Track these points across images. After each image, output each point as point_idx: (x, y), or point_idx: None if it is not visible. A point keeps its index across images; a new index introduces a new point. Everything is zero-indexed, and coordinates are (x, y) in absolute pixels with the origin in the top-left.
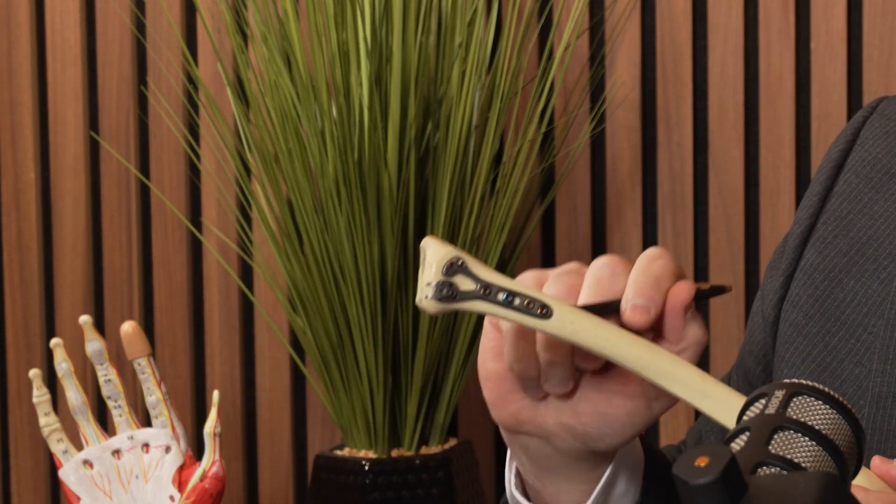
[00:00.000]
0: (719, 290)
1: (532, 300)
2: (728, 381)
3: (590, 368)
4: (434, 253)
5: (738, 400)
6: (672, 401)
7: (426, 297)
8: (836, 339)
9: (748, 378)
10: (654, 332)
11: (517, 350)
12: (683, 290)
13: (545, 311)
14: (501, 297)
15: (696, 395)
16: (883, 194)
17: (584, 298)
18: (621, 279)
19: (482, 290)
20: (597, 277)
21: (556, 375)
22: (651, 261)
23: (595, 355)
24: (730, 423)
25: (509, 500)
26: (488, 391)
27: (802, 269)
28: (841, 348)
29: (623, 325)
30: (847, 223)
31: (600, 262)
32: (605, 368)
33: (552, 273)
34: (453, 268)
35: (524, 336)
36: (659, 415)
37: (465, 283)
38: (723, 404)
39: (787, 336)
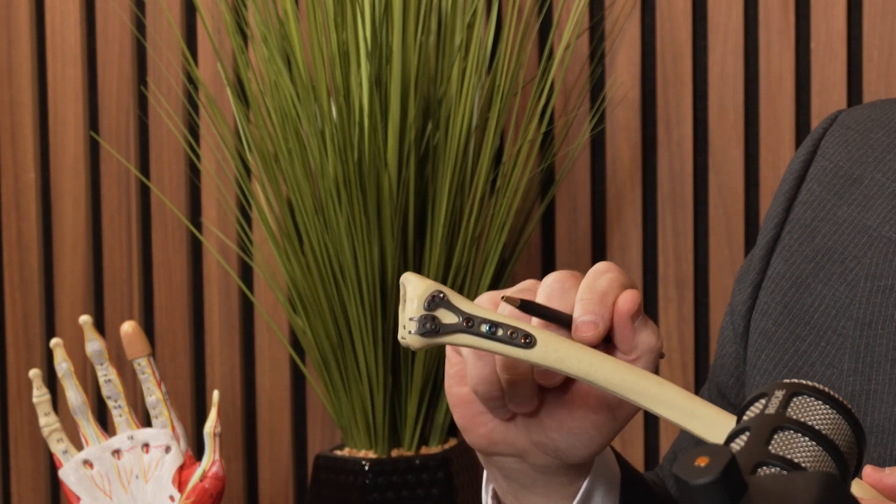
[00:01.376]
0: None
1: (515, 330)
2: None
3: (551, 385)
4: (414, 288)
5: (727, 419)
6: (635, 408)
7: (409, 332)
8: (805, 344)
9: (721, 391)
10: (606, 343)
11: (478, 372)
12: (628, 301)
13: (528, 341)
14: (484, 328)
15: (683, 416)
16: (846, 200)
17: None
18: (571, 294)
19: (465, 323)
20: (547, 294)
21: (519, 394)
22: (597, 276)
23: (579, 381)
24: (719, 442)
25: None
26: (458, 416)
27: (770, 278)
28: (811, 352)
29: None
30: (812, 230)
31: (551, 279)
32: (567, 385)
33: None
34: (435, 301)
35: (482, 358)
36: (625, 423)
37: (447, 317)
38: (711, 424)
39: (757, 344)
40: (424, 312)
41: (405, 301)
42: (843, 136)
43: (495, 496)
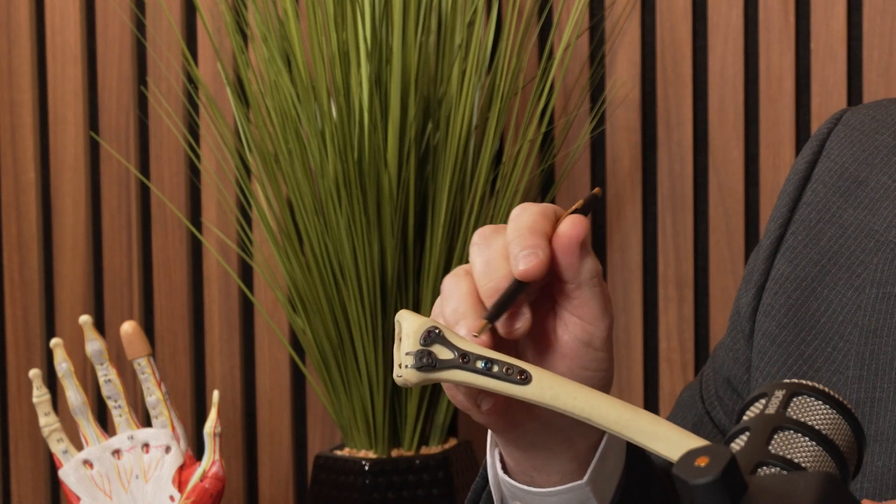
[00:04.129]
0: (592, 199)
1: (510, 367)
2: (699, 382)
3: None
4: (410, 324)
5: None
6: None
7: (406, 366)
8: (811, 348)
9: (732, 384)
10: (550, 275)
11: (452, 396)
12: (573, 226)
13: (524, 377)
14: (480, 364)
15: (679, 452)
16: (852, 203)
17: (486, 296)
18: (497, 239)
19: (461, 359)
20: (485, 259)
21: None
22: (518, 216)
23: (576, 419)
24: None
25: (493, 487)
26: (474, 417)
27: (773, 279)
28: (816, 357)
29: (532, 296)
30: (817, 232)
31: (476, 248)
32: (542, 342)
33: (443, 290)
34: (430, 337)
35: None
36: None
37: (443, 353)
38: None
39: (761, 346)
40: (420, 347)
41: (400, 338)
42: (848, 137)
43: (501, 458)
